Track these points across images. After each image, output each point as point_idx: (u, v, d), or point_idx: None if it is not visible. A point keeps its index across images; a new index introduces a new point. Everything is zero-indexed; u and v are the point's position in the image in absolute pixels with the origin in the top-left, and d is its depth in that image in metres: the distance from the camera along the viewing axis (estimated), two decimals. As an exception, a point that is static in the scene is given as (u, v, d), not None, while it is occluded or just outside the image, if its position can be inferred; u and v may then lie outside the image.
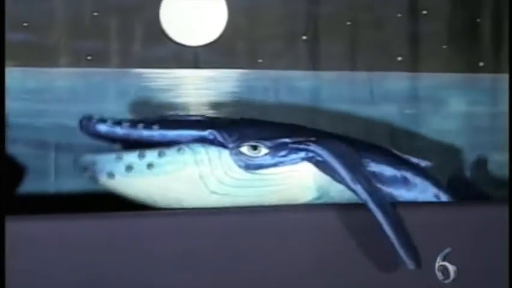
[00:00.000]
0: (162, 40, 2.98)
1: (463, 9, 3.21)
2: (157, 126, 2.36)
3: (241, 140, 2.36)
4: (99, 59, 2.96)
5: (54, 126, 2.91)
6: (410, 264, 2.24)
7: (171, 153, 2.33)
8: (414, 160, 2.60)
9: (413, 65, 3.17)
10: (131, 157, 2.33)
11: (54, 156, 2.91)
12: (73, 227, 2.24)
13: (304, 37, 3.09)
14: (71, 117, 2.91)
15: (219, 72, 3.03)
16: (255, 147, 2.37)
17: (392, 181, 2.50)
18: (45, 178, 2.90)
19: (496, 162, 3.22)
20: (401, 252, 2.24)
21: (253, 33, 3.06)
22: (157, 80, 2.99)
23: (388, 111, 3.13)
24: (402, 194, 2.52)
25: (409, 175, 2.54)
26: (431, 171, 2.63)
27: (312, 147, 2.38)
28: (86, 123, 2.39)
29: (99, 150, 2.41)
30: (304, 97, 3.07)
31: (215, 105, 3.01)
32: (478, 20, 3.23)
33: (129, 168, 2.32)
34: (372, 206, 2.27)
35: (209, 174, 2.34)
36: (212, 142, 2.36)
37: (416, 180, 2.56)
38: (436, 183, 2.62)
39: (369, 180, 2.36)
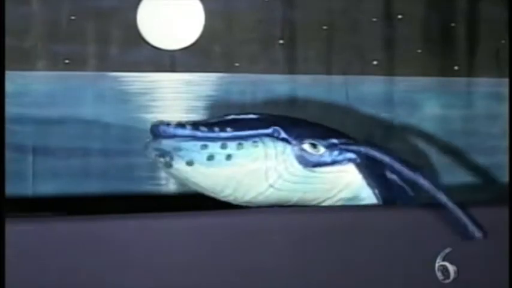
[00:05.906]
0: (139, 44, 2.99)
1: (438, 14, 3.24)
2: (231, 128, 2.36)
3: (300, 137, 2.40)
4: (76, 63, 2.97)
5: (32, 129, 2.92)
6: (477, 233, 2.30)
7: (247, 146, 2.35)
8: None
9: (389, 69, 3.19)
10: (215, 147, 2.33)
11: (31, 160, 2.92)
12: (73, 229, 2.23)
13: (280, 41, 3.11)
14: (48, 121, 2.93)
15: (196, 75, 3.05)
16: (314, 146, 2.40)
17: None
18: (23, 181, 2.90)
19: (471, 165, 3.25)
20: (468, 222, 2.29)
21: (230, 37, 3.07)
22: (134, 83, 3.00)
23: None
24: None
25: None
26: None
27: (363, 148, 2.43)
28: (164, 129, 2.34)
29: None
30: (281, 100, 3.09)
31: (192, 109, 3.03)
32: (453, 25, 3.25)
33: (210, 157, 2.32)
34: (433, 190, 2.33)
35: (273, 168, 2.37)
36: (277, 138, 2.39)
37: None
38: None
39: (419, 171, 2.41)
